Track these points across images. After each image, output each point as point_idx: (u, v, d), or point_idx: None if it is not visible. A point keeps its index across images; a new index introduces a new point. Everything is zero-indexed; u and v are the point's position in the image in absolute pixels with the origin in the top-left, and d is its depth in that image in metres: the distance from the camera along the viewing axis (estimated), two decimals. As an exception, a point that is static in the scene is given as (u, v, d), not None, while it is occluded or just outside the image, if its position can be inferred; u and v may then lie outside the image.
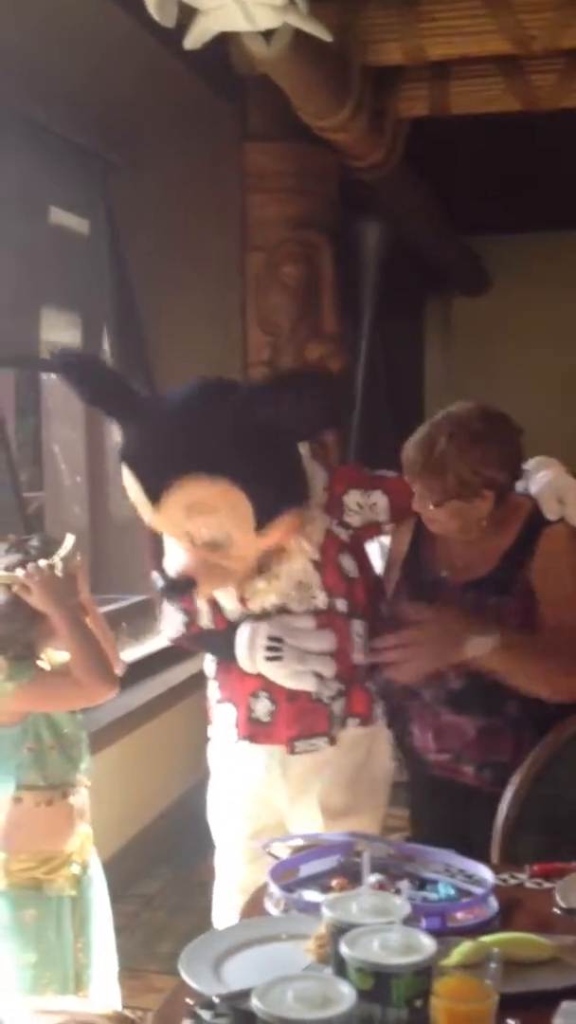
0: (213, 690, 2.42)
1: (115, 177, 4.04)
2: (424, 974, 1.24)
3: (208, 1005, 1.44)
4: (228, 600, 2.29)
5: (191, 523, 2.14)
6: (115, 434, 3.91)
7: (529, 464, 2.35)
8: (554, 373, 6.71)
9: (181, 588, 2.26)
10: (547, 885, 1.81)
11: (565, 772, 2.17)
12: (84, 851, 2.28)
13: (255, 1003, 1.13)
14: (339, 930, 1.31)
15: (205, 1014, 1.42)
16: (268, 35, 3.06)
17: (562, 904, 1.72)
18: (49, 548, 2.28)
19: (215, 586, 2.27)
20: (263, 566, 2.26)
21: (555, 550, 2.24)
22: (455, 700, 2.25)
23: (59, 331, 3.87)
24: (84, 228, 4.04)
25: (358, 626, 2.34)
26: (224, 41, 3.68)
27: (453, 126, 4.83)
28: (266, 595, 2.25)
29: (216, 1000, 1.42)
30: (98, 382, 2.22)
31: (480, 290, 7.28)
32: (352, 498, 2.35)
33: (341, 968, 1.26)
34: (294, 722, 2.30)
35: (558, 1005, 1.40)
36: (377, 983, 1.22)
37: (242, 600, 2.27)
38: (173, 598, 2.33)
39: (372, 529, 2.40)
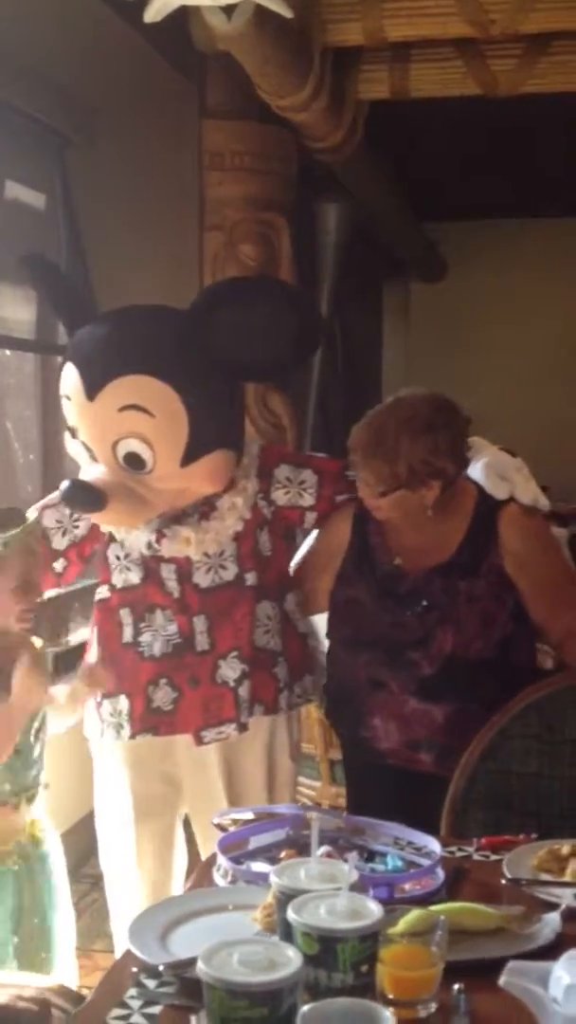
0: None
1: (72, 152, 3.98)
2: (370, 939, 1.25)
3: (153, 974, 1.43)
4: (142, 534, 2.21)
5: (121, 425, 2.07)
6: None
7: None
8: (510, 359, 6.76)
9: (88, 498, 2.09)
10: (494, 858, 1.82)
11: (513, 747, 2.19)
12: (33, 829, 2.20)
13: (200, 967, 1.13)
14: (286, 896, 1.31)
15: (150, 983, 1.42)
16: (229, 11, 3.05)
17: (508, 875, 1.73)
18: (11, 520, 2.13)
19: (121, 513, 2.14)
20: (187, 515, 2.22)
21: (520, 536, 2.27)
22: (426, 688, 2.24)
23: (14, 306, 3.82)
24: (40, 203, 3.99)
25: (267, 607, 2.32)
26: (185, 17, 3.67)
27: (413, 112, 4.84)
28: (186, 546, 2.21)
29: (161, 969, 1.42)
30: (59, 284, 2.31)
31: (437, 276, 7.31)
32: (282, 472, 2.34)
33: (288, 934, 1.26)
34: (199, 710, 2.24)
35: (501, 972, 1.41)
36: (323, 948, 1.22)
37: (159, 535, 2.21)
38: (75, 504, 2.15)
39: (294, 513, 2.36)
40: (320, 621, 2.50)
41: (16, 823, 2.15)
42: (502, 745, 2.19)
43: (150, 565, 2.24)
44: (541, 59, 4.12)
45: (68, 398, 2.17)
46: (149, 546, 2.23)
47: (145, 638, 2.25)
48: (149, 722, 2.25)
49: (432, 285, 7.29)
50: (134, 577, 2.26)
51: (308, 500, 2.36)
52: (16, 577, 2.09)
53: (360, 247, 5.67)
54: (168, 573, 2.24)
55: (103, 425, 2.11)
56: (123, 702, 2.26)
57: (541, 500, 2.31)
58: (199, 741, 2.26)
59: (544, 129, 5.43)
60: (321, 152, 4.50)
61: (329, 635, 2.37)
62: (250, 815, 1.95)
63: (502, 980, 0.94)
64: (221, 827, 1.89)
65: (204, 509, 2.24)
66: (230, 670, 2.25)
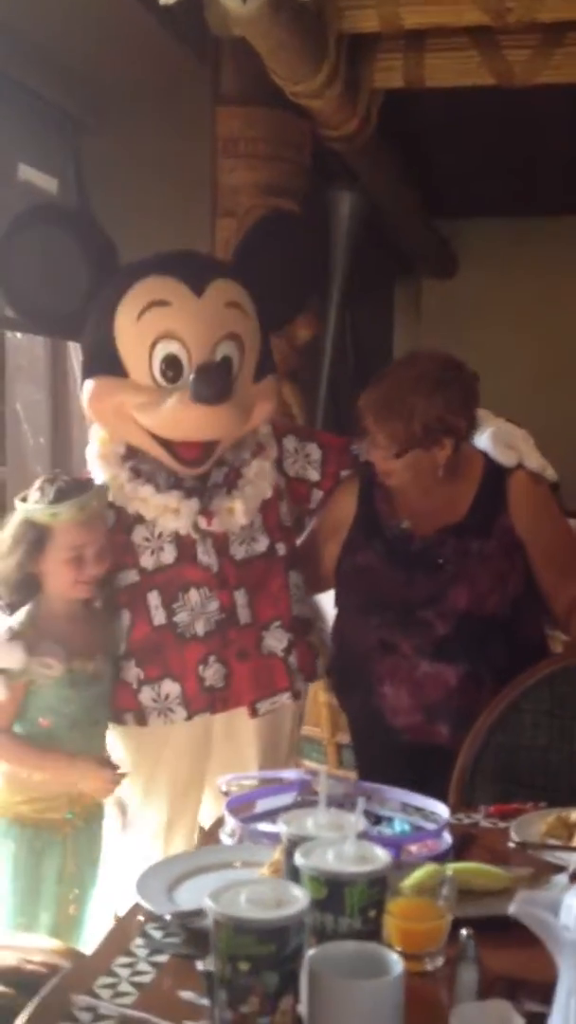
0: (131, 671, 2.24)
1: (85, 136, 3.99)
2: (378, 884, 1.24)
3: (160, 925, 1.42)
4: (186, 515, 2.19)
5: (227, 321, 2.15)
6: (80, 395, 3.89)
7: None
8: (521, 357, 6.74)
9: (226, 381, 2.13)
10: (502, 824, 1.82)
11: (523, 720, 2.18)
12: (83, 801, 2.21)
13: (207, 903, 1.12)
14: (294, 844, 1.31)
15: (156, 933, 1.42)
16: (245, -6, 3.05)
17: (516, 839, 1.72)
18: (71, 492, 2.14)
19: (232, 416, 2.14)
20: (231, 477, 2.23)
21: (530, 501, 2.28)
22: (439, 648, 2.24)
23: (25, 289, 3.82)
24: (52, 187, 3.99)
25: (295, 577, 2.33)
26: (200, 1, 3.66)
27: (426, 106, 4.84)
28: (230, 516, 2.21)
29: (168, 918, 1.41)
30: (83, 224, 2.34)
31: (448, 273, 7.29)
32: (290, 442, 2.38)
33: (295, 879, 1.25)
34: (252, 683, 2.24)
35: (513, 932, 1.40)
36: (331, 892, 1.22)
37: (207, 515, 2.20)
38: (210, 383, 2.10)
39: (302, 487, 2.38)
40: (325, 601, 2.50)
41: (74, 792, 2.17)
42: (512, 718, 2.18)
43: (185, 543, 2.21)
44: (556, 50, 4.10)
45: (163, 303, 2.13)
46: (196, 527, 2.20)
47: (181, 618, 2.21)
48: (204, 701, 2.22)
49: (444, 282, 7.27)
50: (167, 557, 2.22)
51: (314, 475, 2.38)
52: (68, 548, 2.12)
53: (371, 241, 5.66)
54: (205, 548, 2.21)
55: (212, 321, 2.14)
56: (169, 686, 2.21)
57: (548, 470, 2.32)
58: (254, 713, 2.25)
59: (559, 125, 5.42)
60: (335, 141, 4.49)
61: (337, 603, 2.37)
62: (255, 780, 1.95)
63: (512, 908, 0.93)
64: (227, 792, 1.88)
65: (231, 477, 2.24)
66: (275, 640, 2.26)
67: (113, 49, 3.73)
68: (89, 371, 2.26)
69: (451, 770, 2.16)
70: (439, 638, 2.24)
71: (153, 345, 2.15)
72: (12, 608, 2.16)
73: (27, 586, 2.15)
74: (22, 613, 2.15)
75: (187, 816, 2.30)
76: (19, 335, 3.93)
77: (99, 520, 2.16)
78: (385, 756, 2.36)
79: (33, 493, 2.15)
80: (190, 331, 2.13)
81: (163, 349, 2.14)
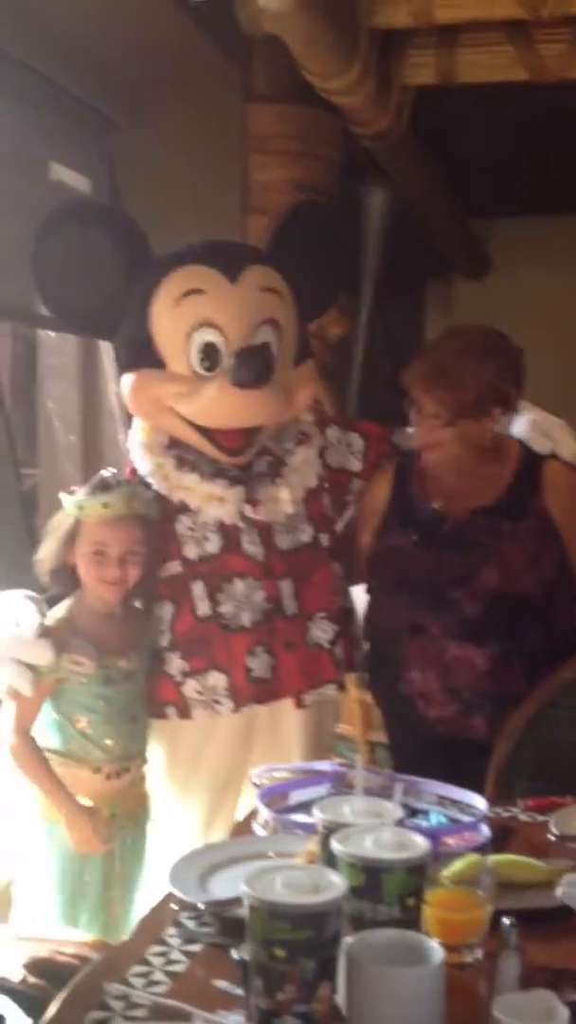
0: (174, 663, 2.21)
1: (116, 134, 3.99)
2: (416, 872, 1.22)
3: (193, 913, 1.41)
4: (232, 503, 2.18)
5: (263, 306, 2.15)
6: (110, 391, 3.87)
7: None
8: (555, 357, 6.67)
9: (265, 363, 2.11)
10: (541, 818, 1.78)
11: (560, 716, 2.14)
12: (127, 804, 2.20)
13: (243, 888, 1.09)
14: (330, 831, 1.28)
15: (190, 923, 1.40)
16: (277, -11, 3.04)
17: (556, 832, 1.69)
18: (106, 487, 2.15)
19: (272, 400, 2.13)
20: (275, 466, 2.22)
21: (566, 488, 2.27)
22: (468, 629, 2.21)
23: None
24: (84, 186, 4.00)
25: (338, 568, 2.32)
26: (232, -3, 3.67)
27: (458, 104, 4.81)
28: (276, 505, 2.20)
29: (201, 907, 1.39)
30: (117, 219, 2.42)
31: (481, 273, 7.25)
32: (332, 433, 2.38)
33: (332, 866, 1.23)
34: (299, 674, 2.22)
35: (554, 923, 1.37)
36: (368, 879, 1.19)
37: (253, 504, 2.19)
38: (249, 367, 2.09)
39: (343, 477, 2.37)
40: (356, 591, 2.48)
41: (118, 789, 2.16)
42: (549, 714, 2.15)
43: (230, 532, 2.20)
44: (591, 43, 4.07)
45: (198, 291, 2.14)
46: (242, 516, 2.19)
47: (227, 609, 2.19)
48: (251, 692, 2.20)
49: (476, 282, 7.23)
50: (212, 546, 2.20)
51: (355, 465, 2.38)
52: (91, 543, 2.12)
53: (403, 241, 5.63)
54: (251, 538, 2.20)
55: (249, 305, 2.14)
56: (216, 677, 2.19)
57: None
58: (300, 704, 2.23)
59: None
60: (366, 138, 4.47)
61: (369, 586, 2.34)
62: (287, 773, 1.92)
63: (559, 891, 0.90)
64: (258, 784, 1.86)
65: (275, 465, 2.24)
66: (320, 631, 2.24)
67: (145, 47, 3.73)
68: (127, 365, 2.26)
69: (487, 765, 2.13)
70: (468, 619, 2.20)
71: (190, 334, 2.15)
72: (52, 602, 2.16)
73: (65, 577, 2.16)
74: (59, 609, 2.15)
75: (227, 809, 2.27)
76: (52, 334, 3.94)
77: (126, 522, 2.12)
78: (420, 750, 2.33)
79: (85, 486, 2.17)
80: (226, 317, 2.12)
81: (200, 337, 2.14)
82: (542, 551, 2.22)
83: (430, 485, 2.33)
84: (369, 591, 2.34)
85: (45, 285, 2.28)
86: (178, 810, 2.29)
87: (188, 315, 2.14)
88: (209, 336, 2.13)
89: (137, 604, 2.24)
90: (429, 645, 2.24)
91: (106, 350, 3.91)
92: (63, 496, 2.15)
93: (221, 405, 2.12)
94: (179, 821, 2.29)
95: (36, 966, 1.63)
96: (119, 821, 2.16)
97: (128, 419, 3.78)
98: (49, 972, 1.65)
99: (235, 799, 2.30)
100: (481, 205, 6.58)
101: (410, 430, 2.38)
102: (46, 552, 2.14)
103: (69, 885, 2.09)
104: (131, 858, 2.19)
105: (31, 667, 2.04)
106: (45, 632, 2.07)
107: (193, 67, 3.96)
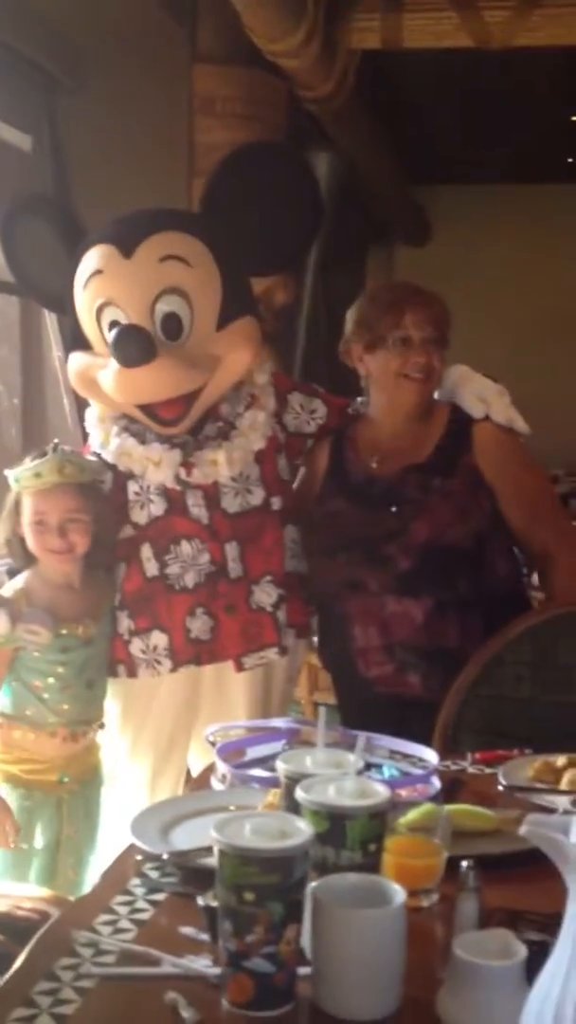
0: (123, 623, 2.25)
1: (61, 94, 3.94)
2: (378, 818, 1.25)
3: (156, 864, 1.43)
4: (167, 466, 2.20)
5: (162, 276, 2.12)
6: (53, 355, 3.84)
7: None
8: (495, 324, 6.76)
9: (142, 343, 2.07)
10: (489, 771, 1.84)
11: (507, 673, 2.20)
12: (79, 769, 2.23)
13: (212, 834, 1.12)
14: (294, 782, 1.31)
15: (153, 872, 1.42)
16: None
17: (504, 783, 1.74)
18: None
19: (169, 369, 2.10)
20: (224, 430, 2.22)
21: (495, 444, 2.31)
22: (404, 583, 2.25)
23: (0, 249, 3.77)
24: (26, 144, 3.94)
25: (292, 532, 2.34)
26: (177, -45, 3.63)
27: (402, 71, 4.83)
28: (214, 468, 2.21)
29: (165, 857, 1.42)
30: (61, 216, 2.40)
31: (422, 240, 7.29)
32: (295, 399, 2.38)
33: (296, 814, 1.26)
34: (239, 637, 2.24)
35: (506, 870, 1.42)
36: (332, 826, 1.23)
37: (187, 467, 2.21)
38: (126, 349, 2.08)
39: (299, 442, 2.40)
40: None
41: (72, 753, 2.19)
42: (495, 672, 2.20)
43: (173, 495, 2.22)
44: (534, 11, 4.11)
45: (98, 271, 2.16)
46: (177, 479, 2.20)
47: (173, 570, 2.21)
48: (189, 653, 2.22)
49: (417, 249, 7.28)
50: (156, 509, 2.22)
51: (312, 429, 2.38)
52: (31, 514, 2.15)
53: (346, 207, 5.64)
54: (195, 500, 2.21)
55: (144, 279, 2.13)
56: (157, 637, 2.22)
57: (518, 423, 2.35)
58: (240, 667, 2.25)
59: (535, 91, 5.42)
60: (311, 102, 4.48)
61: (305, 550, 2.36)
62: (242, 730, 1.95)
63: (523, 830, 0.94)
64: (213, 743, 1.88)
65: (224, 429, 2.24)
66: (265, 595, 2.25)
67: (91, 5, 3.69)
68: (69, 347, 2.33)
69: (427, 722, 2.18)
70: (403, 573, 2.24)
71: (99, 314, 2.19)
72: (12, 574, 2.20)
73: (19, 550, 2.18)
74: (16, 581, 2.18)
75: (172, 768, 2.31)
76: (-7, 295, 3.89)
77: (61, 490, 2.14)
78: (365, 710, 2.36)
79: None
80: (121, 294, 2.15)
81: (108, 316, 2.17)
82: (472, 505, 2.26)
83: (364, 449, 2.37)
84: (308, 556, 2.37)
85: (18, 271, 2.43)
86: (126, 767, 2.32)
87: (91, 296, 2.19)
88: (114, 314, 2.16)
89: (100, 572, 2.26)
90: (369, 601, 2.27)
91: (49, 313, 3.89)
92: (7, 471, 2.17)
93: (118, 384, 2.14)
94: (127, 778, 2.31)
95: None
96: (69, 786, 2.19)
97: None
98: (8, 927, 1.67)
99: (182, 758, 2.34)
100: (423, 172, 6.61)
101: (361, 400, 2.41)
102: (2, 527, 2.18)
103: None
104: (82, 822, 2.22)
105: None
106: (1, 603, 2.10)
107: (140, 26, 3.93)
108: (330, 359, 5.68)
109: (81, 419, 3.73)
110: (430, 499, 2.27)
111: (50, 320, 3.97)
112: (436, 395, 2.39)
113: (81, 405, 3.76)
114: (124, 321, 2.14)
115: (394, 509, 2.28)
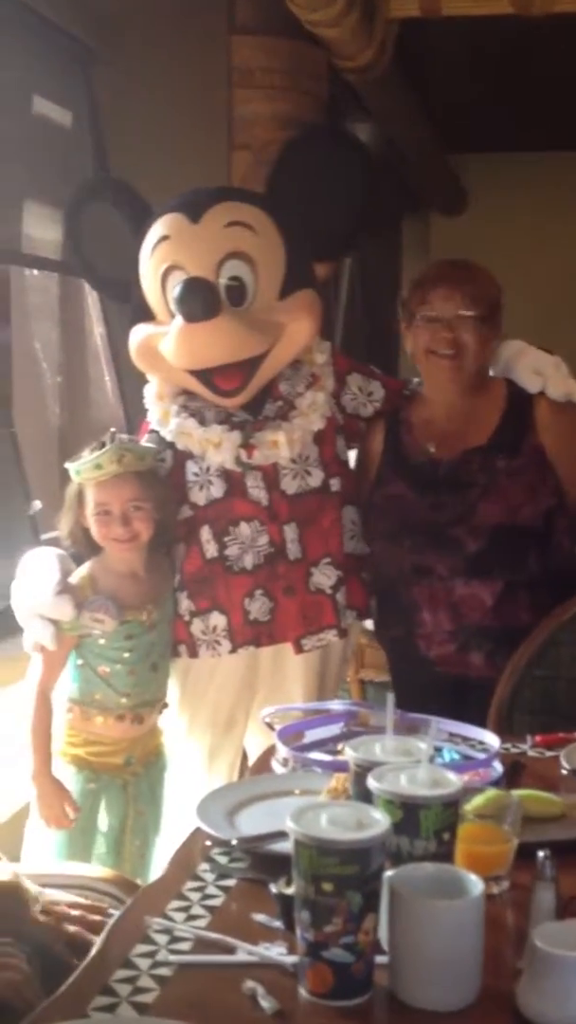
0: (183, 603, 2.26)
1: (99, 68, 3.91)
2: (452, 807, 1.25)
3: (224, 849, 1.44)
4: (227, 448, 2.19)
5: (228, 240, 2.14)
6: (95, 333, 3.83)
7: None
8: (532, 293, 6.67)
9: (208, 297, 2.06)
10: (550, 754, 1.83)
11: (562, 654, 2.18)
12: (143, 751, 2.25)
13: (289, 825, 1.12)
14: (363, 769, 1.31)
15: (221, 857, 1.43)
16: None
17: (567, 766, 1.73)
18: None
19: (230, 331, 2.10)
20: (284, 410, 2.22)
21: (556, 419, 2.28)
22: (473, 565, 2.23)
23: (41, 226, 3.76)
24: (67, 120, 3.92)
25: (352, 512, 2.33)
26: None
27: (440, 38, 4.75)
28: (275, 449, 2.20)
29: (234, 843, 1.42)
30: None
31: (458, 209, 7.21)
32: (354, 380, 2.36)
33: (366, 803, 1.25)
34: (298, 619, 2.24)
35: (570, 856, 1.41)
36: (406, 815, 1.22)
37: (248, 449, 2.20)
38: (191, 303, 2.07)
39: (354, 424, 2.38)
40: None
41: (138, 735, 2.22)
42: (550, 652, 2.18)
43: (233, 477, 2.21)
44: (578, -24, 4.02)
45: (165, 237, 2.19)
46: (238, 461, 2.19)
47: (232, 552, 2.22)
48: (249, 634, 2.23)
49: (453, 218, 7.19)
50: (216, 491, 2.22)
51: (368, 412, 2.37)
52: (94, 505, 2.16)
53: (382, 177, 5.58)
54: (254, 482, 2.21)
55: (211, 242, 2.15)
56: (216, 618, 2.23)
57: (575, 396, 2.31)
58: (299, 649, 2.25)
59: (573, 60, 5.33)
60: (349, 72, 4.41)
61: (368, 536, 2.35)
62: (298, 712, 1.95)
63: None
64: (270, 725, 1.89)
65: (284, 409, 2.23)
66: (324, 577, 2.25)
67: (127, -24, 3.65)
68: (132, 323, 2.32)
69: (486, 703, 2.17)
70: (471, 555, 2.23)
71: (164, 281, 2.19)
72: (79, 561, 2.22)
73: (84, 538, 2.20)
74: (81, 569, 2.20)
75: (229, 749, 2.32)
76: (35, 272, 3.89)
77: (122, 479, 2.14)
78: (421, 690, 2.35)
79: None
80: (187, 257, 2.16)
81: (173, 281, 2.16)
82: (539, 483, 2.24)
83: (420, 432, 2.35)
84: (370, 542, 2.35)
85: (84, 259, 2.46)
86: (184, 746, 2.33)
87: (158, 262, 2.20)
88: (178, 278, 2.15)
89: (161, 556, 2.27)
90: (437, 586, 2.26)
91: (90, 289, 3.88)
92: (67, 464, 2.18)
93: (181, 343, 2.13)
94: (185, 757, 2.33)
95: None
96: (134, 768, 2.22)
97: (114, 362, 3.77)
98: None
99: (239, 738, 2.34)
100: (459, 140, 6.52)
101: (417, 380, 2.39)
102: (62, 517, 2.20)
103: (81, 825, 2.13)
104: (148, 805, 2.24)
105: (54, 622, 2.10)
106: (66, 589, 2.13)
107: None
108: (367, 338, 5.60)
109: (123, 397, 3.75)
110: (496, 480, 2.24)
111: (92, 298, 3.97)
112: (492, 372, 2.37)
113: (124, 384, 3.77)
114: None
115: (448, 490, 2.26)
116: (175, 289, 2.11)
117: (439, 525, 2.27)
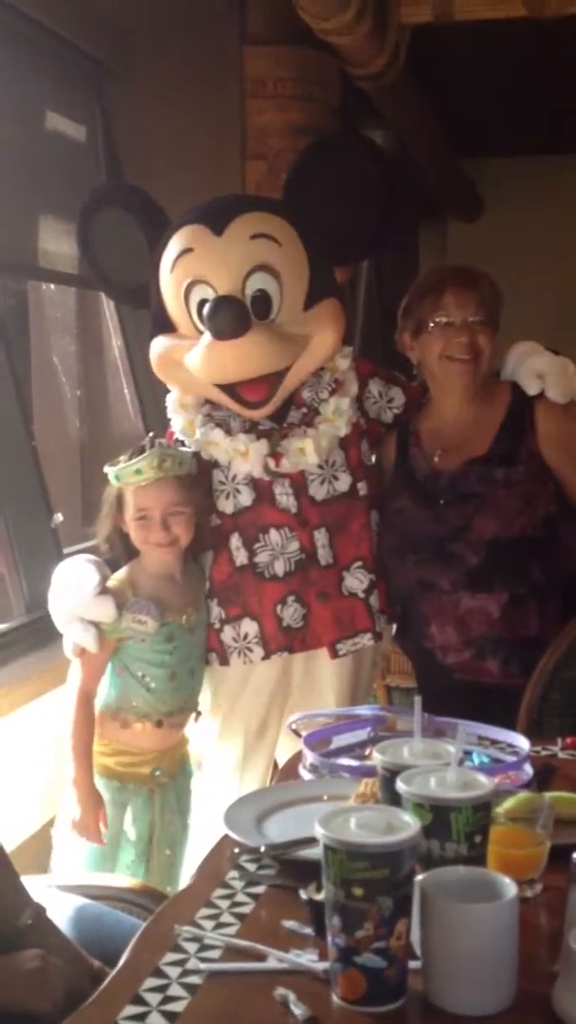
0: (213, 611, 2.28)
1: (112, 83, 3.93)
2: (483, 810, 1.23)
3: (253, 856, 1.42)
4: (255, 457, 2.18)
5: (253, 253, 2.11)
6: (114, 346, 3.83)
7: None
8: (549, 297, 6.66)
9: (239, 313, 2.06)
10: (580, 756, 1.81)
11: (590, 655, 2.16)
12: (172, 761, 2.26)
13: (318, 830, 1.11)
14: (392, 773, 1.30)
15: (250, 864, 1.41)
16: None
17: (600, 768, 1.71)
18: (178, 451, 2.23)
19: (260, 344, 2.09)
20: (309, 416, 2.20)
21: (555, 418, 2.26)
22: (476, 579, 2.22)
23: (56, 240, 3.77)
24: (80, 135, 3.94)
25: (376, 516, 2.32)
26: None
27: (453, 43, 4.74)
28: (302, 456, 2.19)
29: (263, 850, 1.41)
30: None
31: (474, 215, 7.20)
32: (375, 385, 2.35)
33: (395, 806, 1.24)
34: (332, 623, 2.24)
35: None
36: (436, 818, 1.21)
37: (275, 457, 2.20)
38: (222, 319, 2.07)
39: (376, 428, 2.37)
40: None
41: (168, 745, 2.23)
42: (576, 654, 2.16)
43: (261, 485, 2.21)
44: (590, -23, 4.01)
45: (188, 250, 2.15)
46: (267, 469, 2.19)
47: (262, 559, 2.22)
48: (282, 641, 2.23)
49: (469, 224, 7.19)
50: (245, 499, 2.22)
51: (388, 418, 2.37)
52: (134, 509, 2.17)
53: (398, 182, 5.57)
54: (283, 489, 2.21)
55: (236, 256, 2.12)
56: (247, 625, 2.23)
57: None
58: (334, 654, 2.25)
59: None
60: (362, 79, 4.41)
61: (380, 548, 2.34)
62: (326, 718, 1.94)
63: None
64: (296, 732, 1.87)
65: (308, 416, 2.22)
66: (356, 581, 2.25)
67: (139, -9, 3.67)
68: (151, 333, 2.31)
69: (511, 710, 2.15)
70: (473, 569, 2.22)
71: (187, 293, 2.17)
72: (116, 566, 2.22)
73: (122, 543, 2.21)
74: (120, 572, 2.21)
75: (261, 755, 2.31)
76: (52, 287, 3.90)
77: (162, 484, 2.15)
78: (445, 697, 2.33)
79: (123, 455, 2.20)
80: (212, 271, 2.13)
81: (197, 295, 2.15)
82: (539, 490, 2.23)
83: (427, 443, 2.34)
84: (381, 555, 2.34)
85: (97, 266, 2.42)
86: (216, 752, 2.33)
87: (181, 275, 2.18)
88: (203, 292, 2.14)
89: (195, 561, 2.28)
90: (443, 600, 2.25)
91: (107, 302, 3.88)
92: (106, 468, 2.19)
93: (210, 359, 2.12)
94: (216, 763, 2.32)
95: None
96: (160, 779, 2.21)
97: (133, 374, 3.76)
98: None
99: (272, 744, 2.34)
100: (474, 146, 6.51)
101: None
102: (100, 521, 2.20)
103: (109, 834, 2.12)
104: (175, 815, 2.25)
105: (95, 625, 2.10)
106: (106, 591, 2.13)
107: (187, 10, 3.90)
108: (385, 338, 5.58)
109: (143, 409, 3.76)
110: (493, 492, 2.22)
111: (110, 311, 3.97)
112: (501, 375, 2.35)
113: (143, 396, 3.78)
114: (212, 298, 2.13)
115: (447, 504, 2.25)
116: (205, 308, 2.10)
117: (440, 540, 2.26)
